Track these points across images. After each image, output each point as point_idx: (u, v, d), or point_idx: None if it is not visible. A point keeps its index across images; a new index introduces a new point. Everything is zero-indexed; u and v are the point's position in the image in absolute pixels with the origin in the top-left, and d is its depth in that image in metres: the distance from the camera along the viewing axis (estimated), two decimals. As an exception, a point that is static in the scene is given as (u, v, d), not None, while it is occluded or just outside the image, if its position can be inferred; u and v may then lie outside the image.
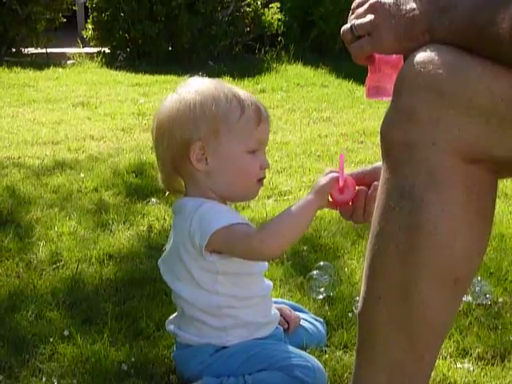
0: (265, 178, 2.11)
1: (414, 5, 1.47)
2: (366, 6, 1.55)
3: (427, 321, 1.49)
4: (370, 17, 1.53)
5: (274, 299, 2.34)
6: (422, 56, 1.44)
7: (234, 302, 2.07)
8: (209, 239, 1.95)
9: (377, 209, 1.52)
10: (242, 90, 2.11)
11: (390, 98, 1.49)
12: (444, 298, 1.48)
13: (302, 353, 2.11)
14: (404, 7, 1.48)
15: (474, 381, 2.09)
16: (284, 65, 8.89)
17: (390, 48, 1.53)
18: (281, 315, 2.26)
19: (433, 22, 1.44)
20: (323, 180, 2.00)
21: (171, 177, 2.13)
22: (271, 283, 2.24)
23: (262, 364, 2.04)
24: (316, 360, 2.08)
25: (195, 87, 2.08)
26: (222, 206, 2.07)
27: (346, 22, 1.59)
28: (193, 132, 2.03)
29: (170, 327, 2.17)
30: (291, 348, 2.11)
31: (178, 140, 2.05)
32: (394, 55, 1.60)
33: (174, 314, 2.19)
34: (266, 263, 2.23)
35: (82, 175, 4.10)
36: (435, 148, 1.29)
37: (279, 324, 2.24)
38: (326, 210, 3.48)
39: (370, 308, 1.54)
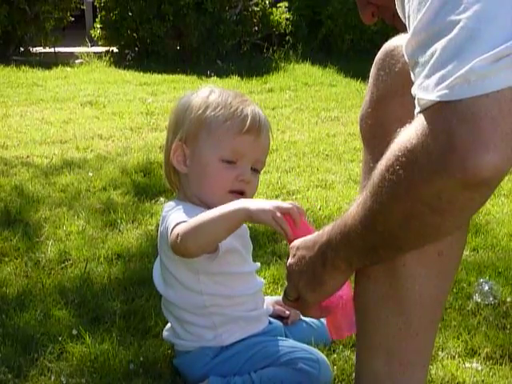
0: (243, 192, 2.05)
1: (308, 253, 1.56)
2: (286, 274, 1.65)
3: (416, 294, 1.51)
4: (290, 284, 1.63)
5: (274, 297, 2.35)
6: (391, 44, 1.56)
7: (219, 300, 2.07)
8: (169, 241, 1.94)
9: (361, 191, 1.57)
10: (256, 105, 2.09)
11: (351, 332, 1.72)
12: (430, 271, 1.50)
13: (305, 346, 2.10)
14: (306, 258, 1.57)
15: (483, 380, 2.09)
16: (292, 64, 8.89)
17: (313, 303, 1.63)
18: (281, 305, 2.27)
19: (326, 252, 1.50)
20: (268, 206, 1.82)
21: (169, 171, 2.14)
22: (263, 280, 2.25)
23: (265, 361, 2.04)
24: (319, 352, 2.09)
25: (208, 92, 2.08)
26: (191, 207, 2.03)
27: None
28: (176, 132, 2.07)
29: (167, 336, 2.18)
30: (293, 342, 2.12)
31: (169, 138, 2.11)
32: (335, 299, 1.69)
33: (169, 324, 2.19)
34: (258, 263, 2.24)
35: (90, 174, 4.11)
36: (401, 124, 1.32)
37: (279, 313, 2.26)
38: (335, 208, 3.50)
39: (361, 289, 1.57)
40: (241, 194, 2.05)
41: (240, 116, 2.02)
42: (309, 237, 1.60)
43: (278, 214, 1.79)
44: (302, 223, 1.81)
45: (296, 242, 1.63)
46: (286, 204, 1.83)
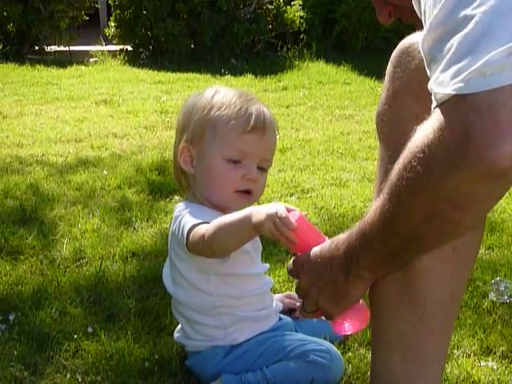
0: (249, 191, 2.04)
1: (324, 270, 1.56)
2: (296, 291, 1.67)
3: (431, 291, 1.51)
4: (307, 300, 1.65)
5: (285, 293, 2.35)
6: (407, 41, 1.57)
7: (229, 300, 2.07)
8: (185, 242, 1.94)
9: (376, 188, 1.59)
10: (261, 104, 2.08)
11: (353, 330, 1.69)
12: (445, 267, 1.50)
13: (315, 338, 2.10)
14: (323, 275, 1.56)
15: (498, 379, 2.08)
16: (306, 62, 8.88)
17: (337, 314, 1.64)
18: (290, 298, 2.30)
19: (347, 265, 1.50)
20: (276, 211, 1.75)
21: (178, 172, 2.14)
22: (272, 280, 2.25)
23: (277, 355, 2.04)
24: (330, 343, 2.09)
25: (213, 93, 2.08)
26: (201, 208, 2.03)
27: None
28: (183, 133, 2.07)
29: (178, 337, 2.19)
30: (302, 335, 2.12)
31: (176, 139, 2.11)
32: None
33: (179, 325, 2.20)
34: (267, 265, 2.24)
35: (105, 173, 4.12)
36: (417, 120, 1.32)
37: (290, 306, 2.28)
38: (350, 206, 3.50)
39: (376, 287, 1.57)
40: (248, 193, 2.05)
41: (244, 115, 2.01)
42: (316, 252, 1.59)
43: (281, 214, 1.72)
44: (312, 231, 1.74)
45: (300, 258, 1.62)
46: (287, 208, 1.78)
